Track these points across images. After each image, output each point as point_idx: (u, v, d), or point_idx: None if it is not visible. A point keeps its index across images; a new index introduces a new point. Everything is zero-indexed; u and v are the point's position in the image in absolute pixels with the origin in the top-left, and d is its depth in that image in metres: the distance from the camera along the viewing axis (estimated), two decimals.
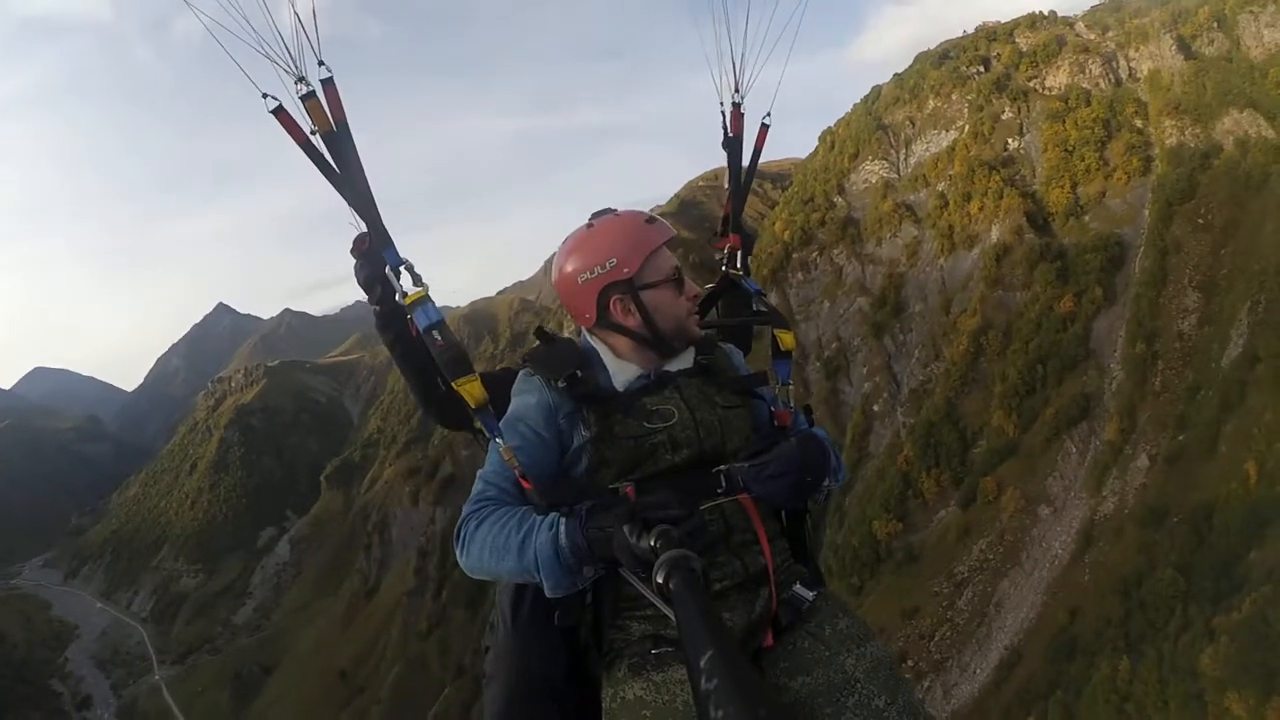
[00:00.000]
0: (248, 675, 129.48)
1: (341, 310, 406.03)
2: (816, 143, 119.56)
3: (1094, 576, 55.97)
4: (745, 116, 3.24)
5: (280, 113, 2.42)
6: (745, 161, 3.35)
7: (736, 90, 3.14)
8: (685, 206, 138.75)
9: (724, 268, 3.22)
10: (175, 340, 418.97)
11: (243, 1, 2.30)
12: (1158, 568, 51.12)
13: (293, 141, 2.45)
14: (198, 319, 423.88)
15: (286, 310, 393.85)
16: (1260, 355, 59.62)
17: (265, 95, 2.38)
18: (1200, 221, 74.84)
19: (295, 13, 2.35)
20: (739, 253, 3.22)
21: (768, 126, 3.32)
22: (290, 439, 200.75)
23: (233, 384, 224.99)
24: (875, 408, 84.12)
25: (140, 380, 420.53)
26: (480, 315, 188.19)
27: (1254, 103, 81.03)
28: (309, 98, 2.44)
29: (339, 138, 2.48)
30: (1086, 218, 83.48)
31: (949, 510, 69.79)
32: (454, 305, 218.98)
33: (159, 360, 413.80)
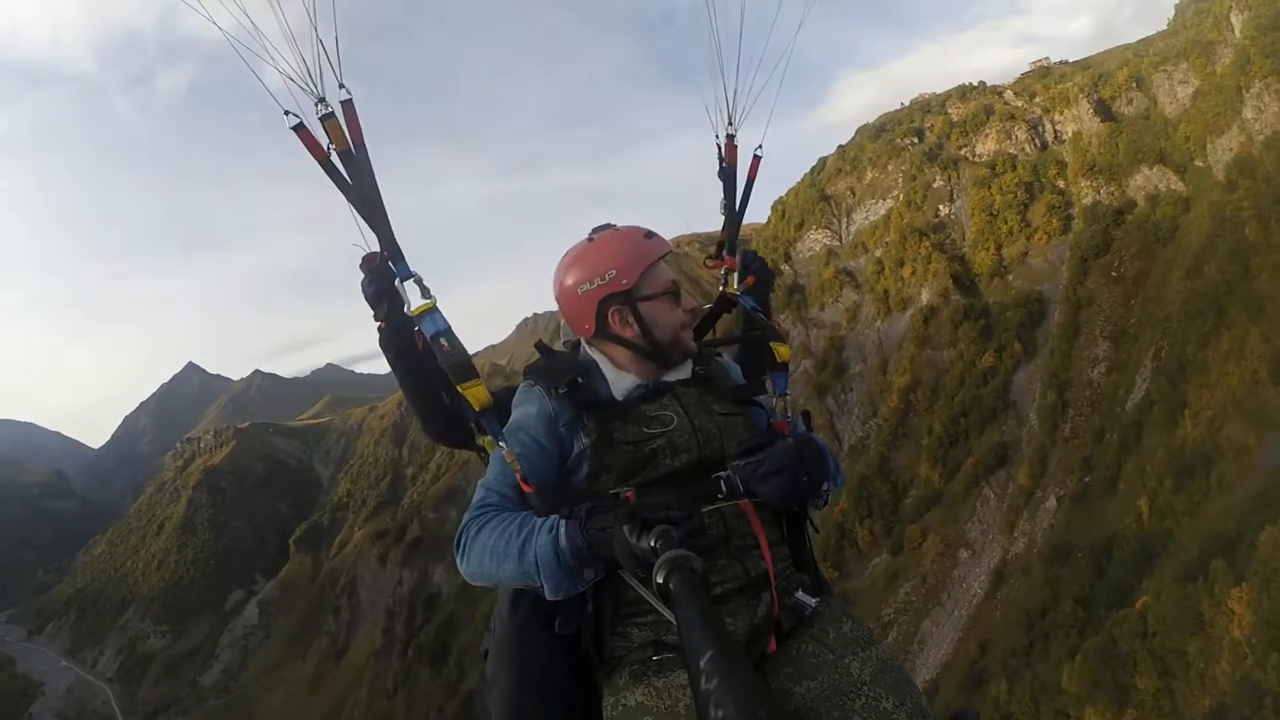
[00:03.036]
0: None
1: (312, 372, 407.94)
2: (769, 212, 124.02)
3: (1004, 611, 60.38)
4: (739, 149, 3.38)
5: (301, 130, 2.55)
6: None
7: (730, 123, 3.30)
8: None
9: (721, 289, 3.32)
10: (144, 398, 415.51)
11: (266, 27, 2.43)
12: (1061, 600, 55.21)
13: (311, 159, 2.58)
14: (166, 378, 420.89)
15: (256, 371, 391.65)
16: (1155, 398, 64.29)
17: (287, 113, 2.53)
18: (1113, 274, 79.98)
19: (319, 38, 2.49)
20: (734, 273, 3.35)
21: (759, 158, 3.44)
22: (259, 501, 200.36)
23: (202, 445, 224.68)
24: None
25: (107, 437, 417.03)
26: None
27: (1164, 158, 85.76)
28: (329, 118, 2.57)
29: (356, 157, 2.61)
30: (1010, 276, 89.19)
31: (881, 558, 74.60)
32: None
33: (126, 418, 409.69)
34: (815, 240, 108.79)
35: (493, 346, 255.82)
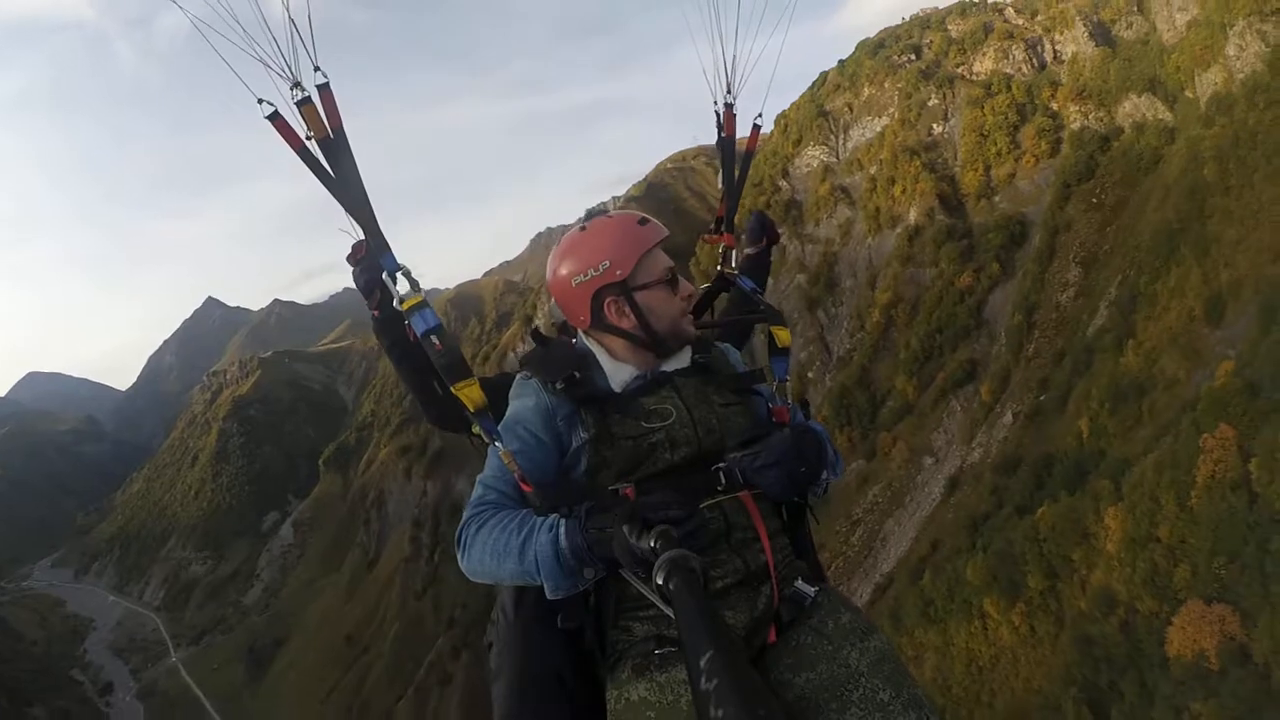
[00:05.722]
0: (260, 649, 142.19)
1: (330, 298, 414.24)
2: (773, 125, 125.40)
3: (956, 515, 67.97)
4: (738, 116, 3.45)
5: (276, 119, 2.51)
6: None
7: (729, 91, 3.36)
8: (653, 189, 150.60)
9: (719, 267, 3.38)
10: (166, 337, 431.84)
11: (237, 7, 2.38)
12: (1004, 507, 62.00)
13: (288, 146, 2.54)
14: (187, 314, 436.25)
15: (276, 300, 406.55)
16: (1108, 326, 69.81)
17: (261, 101, 2.47)
18: (1094, 201, 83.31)
19: (290, 18, 2.43)
20: (733, 251, 3.43)
21: (759, 127, 3.57)
22: (287, 427, 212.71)
23: (228, 377, 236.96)
24: (810, 374, 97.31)
25: (134, 379, 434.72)
26: (466, 298, 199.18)
27: (1154, 87, 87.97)
28: (305, 104, 2.51)
29: (335, 144, 2.56)
30: (996, 199, 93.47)
31: (858, 463, 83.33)
32: (441, 288, 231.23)
33: (151, 358, 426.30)
34: (813, 156, 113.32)
35: (507, 263, 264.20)
